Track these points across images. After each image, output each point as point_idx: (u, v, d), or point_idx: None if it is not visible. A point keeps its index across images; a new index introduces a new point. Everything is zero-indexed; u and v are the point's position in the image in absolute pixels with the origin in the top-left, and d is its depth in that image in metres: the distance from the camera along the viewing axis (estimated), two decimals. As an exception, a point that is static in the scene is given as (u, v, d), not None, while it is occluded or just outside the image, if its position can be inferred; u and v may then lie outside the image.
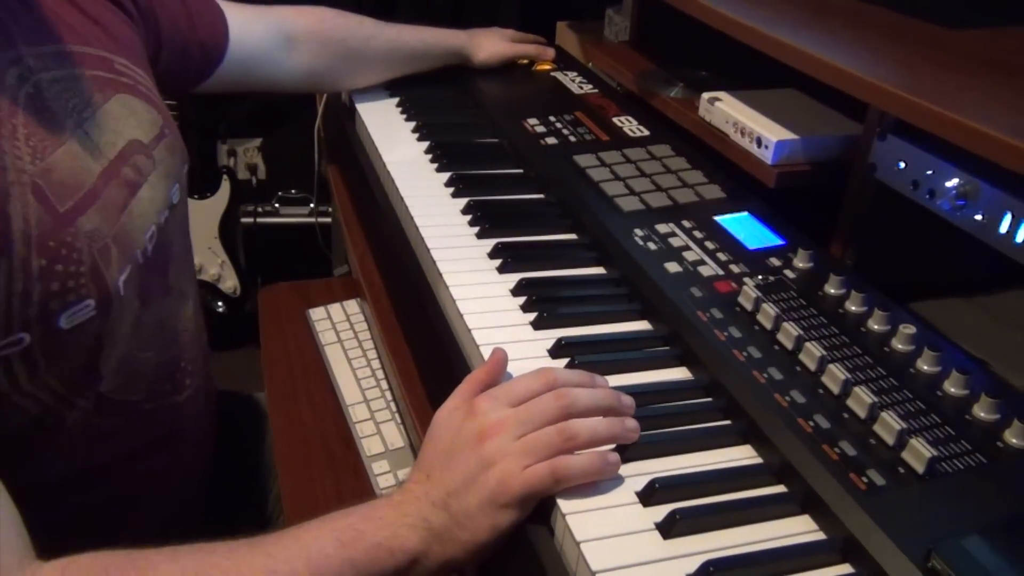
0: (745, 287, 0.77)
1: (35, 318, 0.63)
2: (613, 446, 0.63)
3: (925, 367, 0.68)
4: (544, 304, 0.79)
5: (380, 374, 1.16)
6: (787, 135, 0.93)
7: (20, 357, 0.64)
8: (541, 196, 1.01)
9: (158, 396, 0.80)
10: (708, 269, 0.82)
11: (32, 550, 0.56)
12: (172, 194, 0.82)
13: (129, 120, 0.79)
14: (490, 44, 1.32)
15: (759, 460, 0.64)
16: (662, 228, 0.88)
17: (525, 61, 1.37)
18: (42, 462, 0.68)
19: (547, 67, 1.35)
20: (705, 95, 1.05)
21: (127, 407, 0.76)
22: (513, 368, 0.71)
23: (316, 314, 1.30)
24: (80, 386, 0.70)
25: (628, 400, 0.66)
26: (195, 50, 0.99)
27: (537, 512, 0.62)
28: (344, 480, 0.97)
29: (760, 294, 0.75)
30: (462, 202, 0.97)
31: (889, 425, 0.61)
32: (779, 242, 0.86)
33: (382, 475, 1.00)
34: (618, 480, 0.62)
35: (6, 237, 0.60)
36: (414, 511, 0.62)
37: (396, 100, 1.24)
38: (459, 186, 1.00)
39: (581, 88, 1.28)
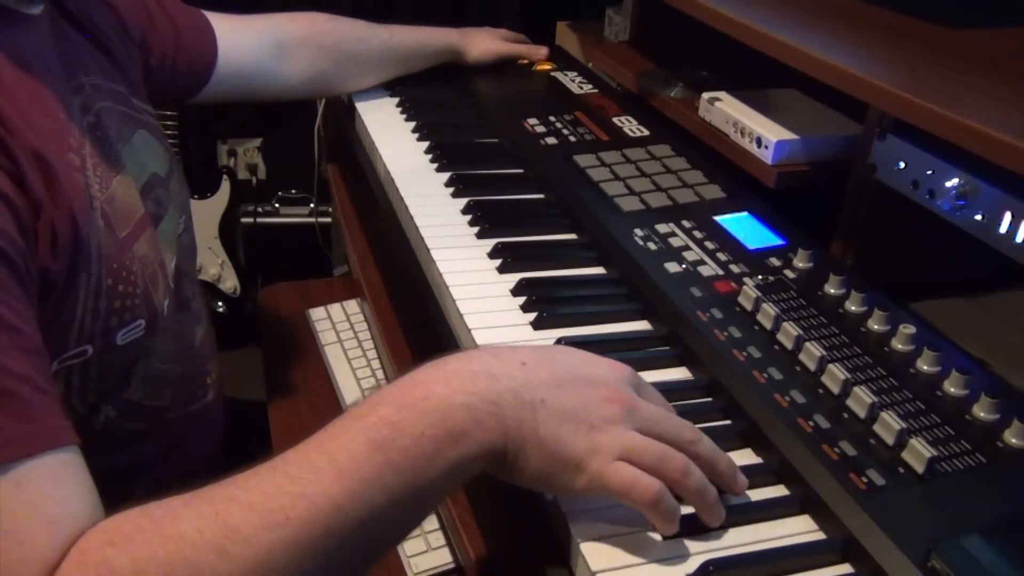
0: (745, 287, 0.77)
1: (99, 333, 0.67)
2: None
3: (925, 367, 0.68)
4: (544, 304, 0.79)
5: (380, 374, 1.16)
6: (787, 135, 0.93)
7: (79, 368, 0.68)
8: (541, 196, 1.01)
9: (181, 404, 0.83)
10: (708, 269, 0.82)
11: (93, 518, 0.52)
12: (180, 223, 0.86)
13: (149, 155, 0.83)
14: (482, 42, 1.32)
15: (759, 460, 0.64)
16: (662, 228, 0.88)
17: (524, 61, 1.37)
18: None
19: (547, 67, 1.35)
20: (705, 95, 1.05)
21: (152, 412, 0.79)
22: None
23: (316, 314, 1.30)
24: (110, 395, 0.73)
25: (743, 480, 0.60)
26: (182, 69, 1.00)
27: (536, 512, 0.62)
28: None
29: (760, 294, 0.75)
30: (462, 202, 0.97)
31: (889, 425, 0.61)
32: (779, 242, 0.86)
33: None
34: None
35: (88, 255, 0.65)
36: (480, 388, 0.54)
37: (396, 100, 1.24)
38: (459, 186, 1.00)
39: (581, 88, 1.28)
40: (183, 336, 0.83)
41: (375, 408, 0.53)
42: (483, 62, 1.32)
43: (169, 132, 1.90)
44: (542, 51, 1.38)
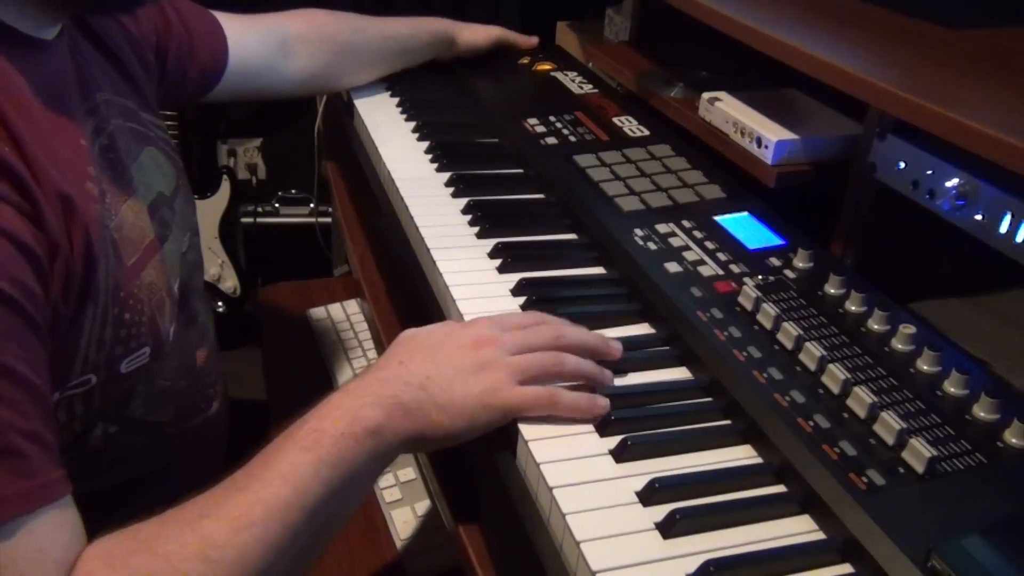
0: (745, 287, 0.77)
1: (103, 362, 0.68)
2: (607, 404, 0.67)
3: (925, 367, 0.68)
4: (544, 304, 0.79)
5: (380, 374, 1.15)
6: (787, 135, 0.93)
7: (82, 397, 0.68)
8: (541, 196, 1.01)
9: (184, 418, 0.83)
10: (708, 269, 0.82)
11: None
12: (183, 242, 0.85)
13: (155, 173, 0.82)
14: (475, 27, 1.33)
15: (759, 460, 0.64)
16: (662, 228, 0.88)
17: (525, 60, 1.37)
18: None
19: (547, 67, 1.35)
20: (705, 95, 1.05)
21: (153, 427, 0.79)
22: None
23: (316, 314, 1.30)
24: (110, 413, 0.73)
25: (616, 344, 0.72)
26: (195, 72, 1.00)
27: (537, 511, 0.62)
28: (344, 480, 0.97)
29: (760, 294, 0.75)
30: (462, 202, 0.97)
31: (889, 425, 0.61)
32: (779, 242, 0.86)
33: (382, 475, 1.00)
34: (618, 480, 0.61)
35: (96, 287, 0.65)
36: (378, 390, 0.64)
37: (396, 100, 1.24)
38: (459, 186, 1.00)
39: (581, 88, 1.28)
40: (188, 353, 0.83)
41: (301, 426, 0.62)
42: (476, 46, 1.32)
43: (170, 133, 1.90)
44: (532, 40, 1.38)
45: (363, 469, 0.62)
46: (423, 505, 0.99)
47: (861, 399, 0.64)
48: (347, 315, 1.29)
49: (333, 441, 0.60)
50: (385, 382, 0.65)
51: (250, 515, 0.56)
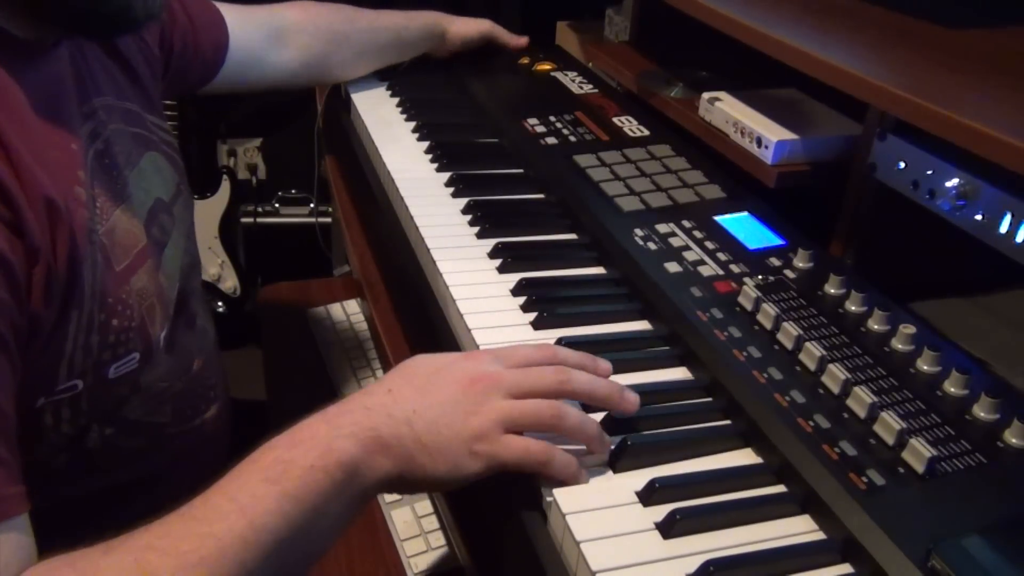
0: (745, 287, 0.77)
1: (90, 368, 0.67)
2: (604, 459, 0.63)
3: (925, 367, 0.68)
4: (544, 304, 0.79)
5: (380, 374, 1.16)
6: (787, 135, 0.93)
7: (69, 402, 0.67)
8: (541, 196, 1.01)
9: (183, 419, 0.82)
10: (708, 269, 0.82)
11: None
12: (182, 248, 0.85)
13: (155, 179, 0.82)
14: (466, 19, 1.33)
15: (759, 460, 0.64)
16: (662, 228, 0.88)
17: (525, 60, 1.37)
18: (64, 482, 0.70)
19: (547, 67, 1.35)
20: (705, 95, 1.05)
21: (152, 428, 0.79)
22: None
23: (316, 314, 1.30)
24: (106, 417, 0.73)
25: (632, 397, 0.64)
26: (198, 63, 1.00)
27: (536, 511, 0.62)
28: (344, 480, 0.97)
29: (760, 294, 0.75)
30: (462, 202, 0.97)
31: (889, 425, 0.61)
32: (779, 242, 0.86)
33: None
34: (618, 480, 0.62)
35: (81, 292, 0.64)
36: (358, 420, 0.58)
37: (396, 100, 1.24)
38: (459, 186, 1.00)
39: (581, 88, 1.28)
40: (186, 355, 0.83)
41: (268, 452, 0.57)
42: (467, 38, 1.32)
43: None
44: (522, 40, 1.38)
45: (334, 506, 0.56)
46: (423, 505, 0.99)
47: (861, 399, 0.64)
48: (347, 315, 1.29)
49: (301, 473, 0.54)
50: (368, 411, 0.59)
51: (199, 551, 0.51)
